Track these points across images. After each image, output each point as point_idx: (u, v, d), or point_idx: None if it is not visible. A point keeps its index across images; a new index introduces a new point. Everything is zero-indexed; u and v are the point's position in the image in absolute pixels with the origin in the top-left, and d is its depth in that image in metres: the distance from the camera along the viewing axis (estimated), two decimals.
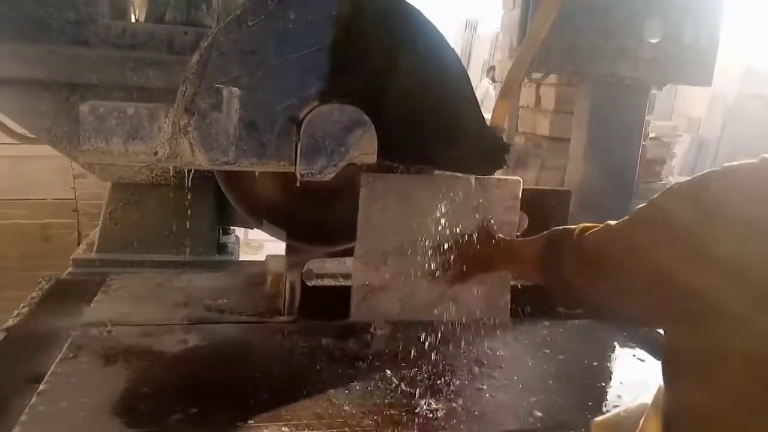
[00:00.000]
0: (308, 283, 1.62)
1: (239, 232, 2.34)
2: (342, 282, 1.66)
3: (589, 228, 1.11)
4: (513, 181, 1.54)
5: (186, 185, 1.51)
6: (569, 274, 1.10)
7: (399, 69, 1.27)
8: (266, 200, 1.63)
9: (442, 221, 1.49)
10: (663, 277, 0.83)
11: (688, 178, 0.89)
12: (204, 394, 1.26)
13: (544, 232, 1.29)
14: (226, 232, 2.05)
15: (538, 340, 1.62)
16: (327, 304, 1.59)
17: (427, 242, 1.51)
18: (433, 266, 1.50)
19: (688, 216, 0.81)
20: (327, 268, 1.72)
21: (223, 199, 1.87)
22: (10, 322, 1.54)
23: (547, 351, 1.57)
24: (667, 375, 0.86)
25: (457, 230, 1.48)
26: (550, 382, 1.43)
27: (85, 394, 1.22)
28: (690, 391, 0.81)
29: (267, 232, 1.68)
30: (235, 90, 1.21)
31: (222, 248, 1.94)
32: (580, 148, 2.03)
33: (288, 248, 1.63)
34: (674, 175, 3.44)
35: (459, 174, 1.43)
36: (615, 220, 1.02)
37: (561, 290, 1.18)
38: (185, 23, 1.71)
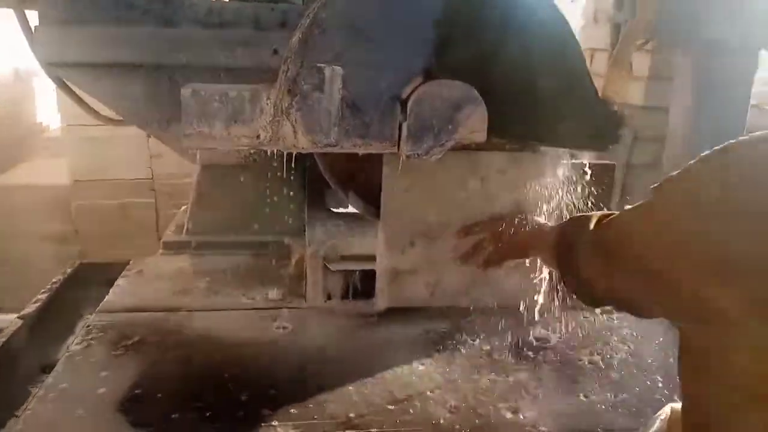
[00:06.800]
0: (330, 267, 1.54)
1: None
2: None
3: (607, 216, 1.01)
4: (550, 155, 1.41)
5: (275, 166, 1.48)
6: (583, 268, 1.00)
7: (508, 41, 1.20)
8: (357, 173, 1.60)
9: (474, 200, 1.40)
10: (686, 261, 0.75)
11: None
12: (217, 389, 1.19)
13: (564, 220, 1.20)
14: None
15: None
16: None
17: (457, 223, 1.42)
18: (464, 249, 1.41)
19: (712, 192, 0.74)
20: (352, 248, 1.64)
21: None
22: (29, 310, 1.51)
23: None
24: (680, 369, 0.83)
25: (490, 210, 1.39)
26: None
27: (92, 387, 1.17)
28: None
29: (353, 205, 1.66)
30: (338, 68, 1.16)
31: None
32: (682, 118, 1.90)
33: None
34: None
35: (570, 150, 1.35)
36: None
37: (575, 284, 1.06)
38: (271, 0, 1.66)
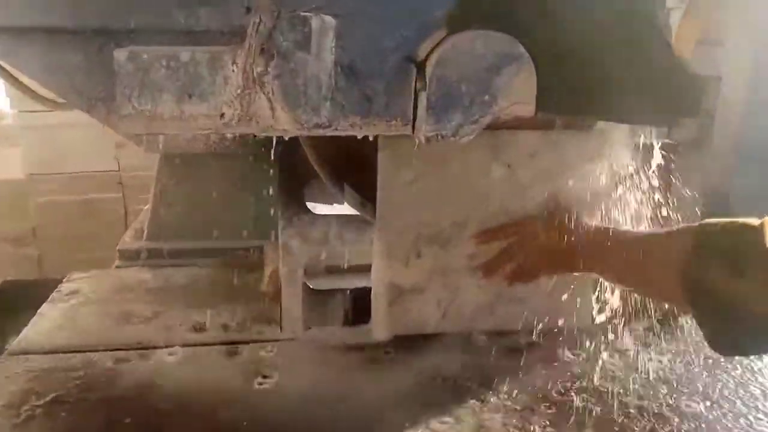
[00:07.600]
0: (311, 285, 1.26)
1: None
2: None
3: None
4: (596, 133, 1.14)
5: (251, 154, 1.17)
6: (757, 301, 0.76)
7: None
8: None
9: (498, 193, 1.16)
10: None
11: None
12: None
13: (682, 225, 0.94)
14: None
15: None
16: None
17: (476, 224, 1.17)
18: (486, 258, 1.18)
19: None
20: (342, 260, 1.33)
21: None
22: None
23: None
24: None
25: (520, 206, 1.16)
26: None
27: None
28: None
29: (349, 203, 1.38)
30: (329, 19, 0.85)
31: None
32: (738, 88, 1.63)
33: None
34: None
35: (631, 126, 1.05)
36: None
37: (727, 322, 0.80)
38: None
